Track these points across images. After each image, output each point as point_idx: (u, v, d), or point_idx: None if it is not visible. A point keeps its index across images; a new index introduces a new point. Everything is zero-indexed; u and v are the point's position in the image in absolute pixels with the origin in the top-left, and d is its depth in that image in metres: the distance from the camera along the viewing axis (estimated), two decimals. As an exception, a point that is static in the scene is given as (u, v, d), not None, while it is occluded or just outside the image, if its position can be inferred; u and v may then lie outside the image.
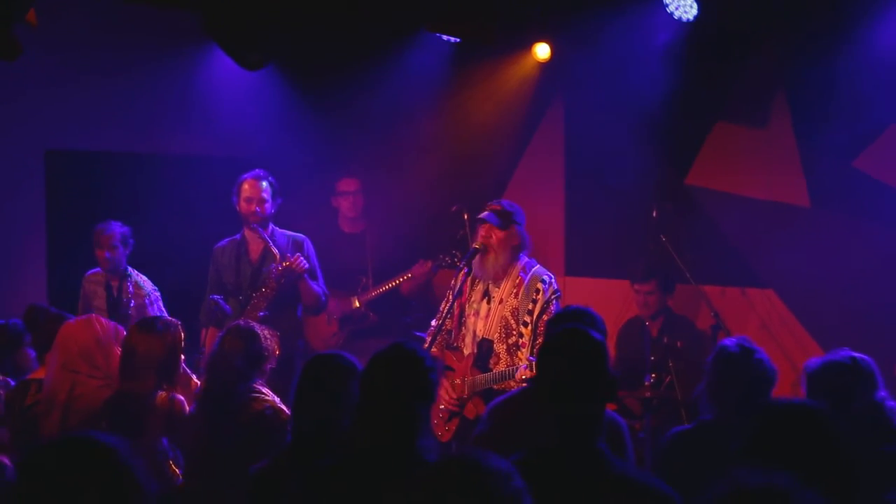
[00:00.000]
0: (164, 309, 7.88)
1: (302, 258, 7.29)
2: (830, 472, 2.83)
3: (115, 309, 7.77)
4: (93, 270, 8.08)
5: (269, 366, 5.29)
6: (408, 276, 8.02)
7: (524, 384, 5.56)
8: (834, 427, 2.96)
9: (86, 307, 7.84)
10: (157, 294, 8.02)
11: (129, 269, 7.97)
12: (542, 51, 8.44)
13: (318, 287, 7.50)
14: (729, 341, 4.52)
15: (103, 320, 5.63)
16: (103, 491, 2.44)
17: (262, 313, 7.13)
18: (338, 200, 8.52)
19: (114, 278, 7.95)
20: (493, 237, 6.23)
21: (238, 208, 7.44)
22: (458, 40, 8.20)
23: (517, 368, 5.86)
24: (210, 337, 7.35)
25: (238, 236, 7.60)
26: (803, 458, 2.84)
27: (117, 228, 7.89)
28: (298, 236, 7.63)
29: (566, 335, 3.37)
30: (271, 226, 7.51)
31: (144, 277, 8.03)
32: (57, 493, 2.43)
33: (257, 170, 7.45)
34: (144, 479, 2.53)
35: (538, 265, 6.33)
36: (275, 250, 7.28)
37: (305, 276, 7.32)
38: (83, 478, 2.44)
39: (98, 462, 2.48)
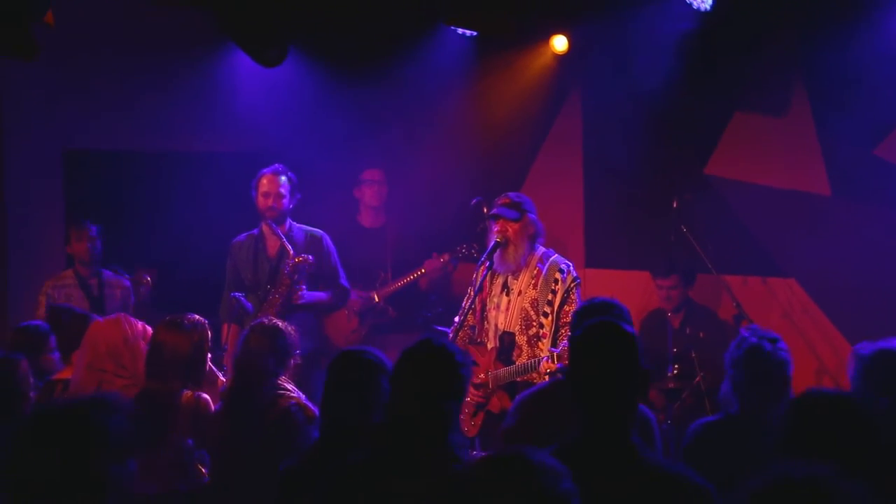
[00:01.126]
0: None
1: (310, 258, 7.28)
2: (871, 462, 2.80)
3: (98, 308, 7.69)
4: (57, 275, 8.06)
5: (293, 362, 5.29)
6: (421, 272, 8.00)
7: (548, 377, 5.57)
8: (873, 416, 2.94)
9: None
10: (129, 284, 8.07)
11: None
12: (559, 43, 8.42)
13: (323, 295, 7.49)
14: (749, 334, 4.48)
15: (132, 319, 5.61)
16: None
17: (277, 310, 7.13)
18: (361, 190, 8.44)
19: (91, 277, 7.95)
20: (510, 230, 6.29)
21: (256, 203, 7.43)
22: (475, 34, 8.19)
23: (540, 361, 5.85)
24: (231, 334, 7.36)
25: (256, 231, 7.58)
26: (843, 448, 2.82)
27: (91, 223, 7.96)
28: (317, 232, 7.61)
29: (600, 328, 3.34)
30: (289, 221, 7.49)
31: (111, 273, 8.07)
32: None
33: (276, 165, 7.44)
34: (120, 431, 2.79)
35: (556, 254, 6.38)
36: (289, 247, 7.25)
37: (305, 295, 7.29)
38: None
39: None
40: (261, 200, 7.40)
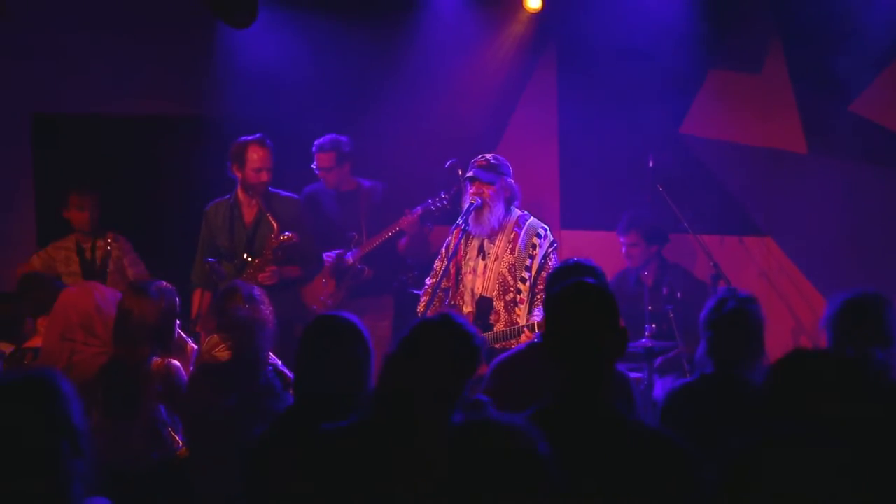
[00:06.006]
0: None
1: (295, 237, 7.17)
2: (860, 422, 2.74)
3: (90, 273, 7.61)
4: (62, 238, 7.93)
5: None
6: (396, 229, 7.88)
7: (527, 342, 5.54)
8: (864, 375, 2.87)
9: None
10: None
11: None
12: (533, 1, 8.32)
13: (294, 270, 7.39)
14: (726, 295, 4.44)
15: (103, 287, 5.56)
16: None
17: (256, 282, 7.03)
18: (319, 174, 8.26)
19: (86, 241, 7.83)
20: (485, 192, 6.21)
21: (240, 174, 7.24)
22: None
23: (521, 329, 5.82)
24: (203, 299, 7.26)
25: (230, 197, 7.43)
26: (832, 408, 2.75)
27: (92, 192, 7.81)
28: (292, 196, 7.51)
29: (575, 288, 3.28)
30: None
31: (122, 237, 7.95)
32: None
33: (259, 135, 7.24)
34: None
35: (532, 218, 6.32)
36: (274, 223, 7.12)
37: (275, 273, 7.18)
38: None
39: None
40: (252, 175, 7.20)
